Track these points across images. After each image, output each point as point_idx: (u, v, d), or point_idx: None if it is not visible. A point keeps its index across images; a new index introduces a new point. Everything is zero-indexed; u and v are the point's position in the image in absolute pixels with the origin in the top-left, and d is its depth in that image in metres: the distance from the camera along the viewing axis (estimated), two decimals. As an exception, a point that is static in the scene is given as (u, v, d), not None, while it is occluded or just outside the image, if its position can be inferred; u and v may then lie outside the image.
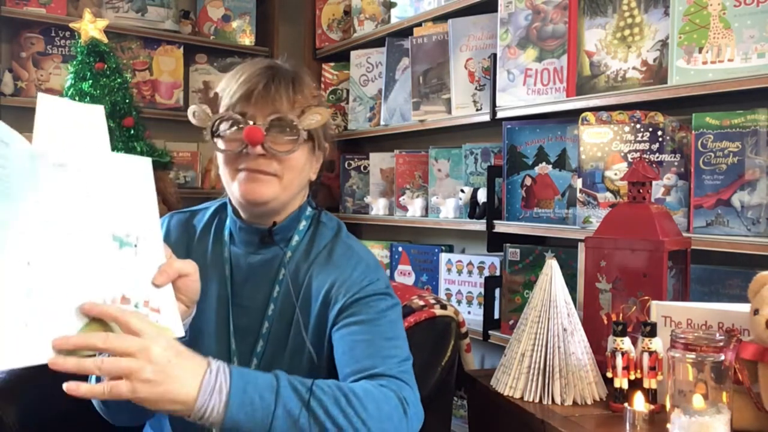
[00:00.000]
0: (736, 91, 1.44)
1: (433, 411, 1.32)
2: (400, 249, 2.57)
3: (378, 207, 2.67)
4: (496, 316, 2.08)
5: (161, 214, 0.99)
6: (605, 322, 1.20)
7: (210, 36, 3.12)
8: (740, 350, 1.02)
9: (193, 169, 3.02)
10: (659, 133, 1.59)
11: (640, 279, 1.26)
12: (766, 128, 1.41)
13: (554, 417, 1.13)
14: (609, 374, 1.16)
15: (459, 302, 2.33)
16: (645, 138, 1.60)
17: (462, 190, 2.20)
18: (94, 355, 0.79)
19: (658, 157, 1.59)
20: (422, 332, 1.34)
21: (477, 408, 1.40)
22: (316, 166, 1.18)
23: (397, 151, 2.60)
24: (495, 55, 2.03)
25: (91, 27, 2.43)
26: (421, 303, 1.39)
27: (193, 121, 1.11)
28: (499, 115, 2.03)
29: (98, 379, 0.82)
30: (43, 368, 0.77)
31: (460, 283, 2.34)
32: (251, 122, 1.05)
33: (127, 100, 2.49)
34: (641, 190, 1.32)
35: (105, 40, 2.46)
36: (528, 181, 1.96)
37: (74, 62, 2.45)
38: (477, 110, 2.20)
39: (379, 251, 2.70)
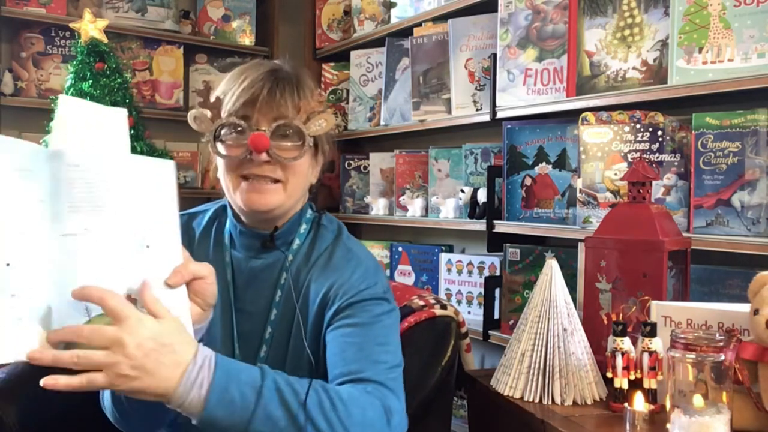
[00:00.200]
0: (736, 91, 1.44)
1: (433, 411, 1.32)
2: (400, 249, 2.57)
3: (378, 207, 2.67)
4: (496, 316, 2.08)
5: None
6: (605, 322, 1.20)
7: (210, 36, 3.12)
8: (740, 350, 1.02)
9: (193, 169, 3.01)
10: (659, 133, 1.59)
11: (640, 279, 1.25)
12: (766, 128, 1.41)
13: (554, 417, 1.13)
14: (609, 374, 1.16)
15: (459, 302, 2.33)
16: (645, 138, 1.60)
17: (462, 190, 2.20)
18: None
19: (658, 157, 1.59)
20: (422, 332, 1.34)
21: (477, 408, 1.40)
22: (317, 170, 1.17)
23: (397, 151, 2.60)
24: (495, 55, 2.03)
25: (91, 27, 2.43)
26: (421, 303, 1.39)
27: (194, 126, 1.10)
28: (499, 115, 2.03)
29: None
30: (44, 368, 0.77)
31: (460, 283, 2.34)
32: (256, 128, 1.04)
33: (127, 100, 2.49)
34: (641, 190, 1.32)
35: (105, 40, 2.47)
36: (528, 181, 1.96)
37: (74, 62, 2.45)
38: (477, 110, 2.20)
39: (379, 251, 2.70)
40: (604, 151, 1.65)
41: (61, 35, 2.77)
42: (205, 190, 3.03)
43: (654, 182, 1.47)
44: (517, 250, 2.01)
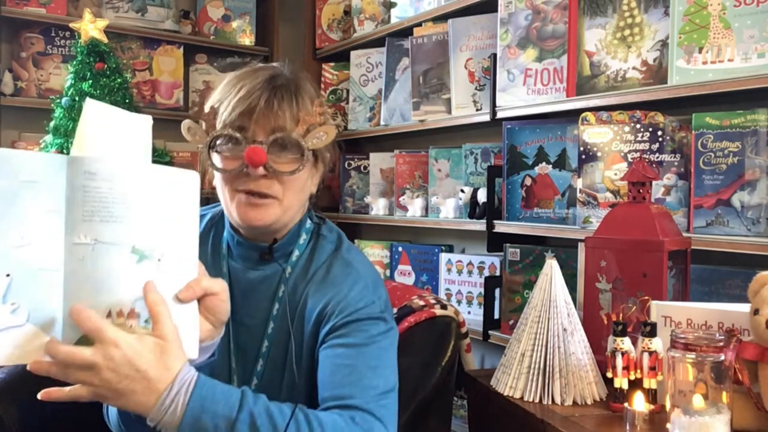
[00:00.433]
0: (736, 91, 1.44)
1: (433, 411, 1.32)
2: (400, 249, 2.57)
3: (378, 207, 2.67)
4: (496, 316, 2.08)
5: None
6: (605, 322, 1.20)
7: (210, 36, 3.12)
8: (740, 350, 1.03)
9: (193, 169, 3.01)
10: (659, 133, 1.59)
11: (640, 279, 1.25)
12: (766, 128, 1.41)
13: (554, 417, 1.13)
14: (609, 374, 1.16)
15: (459, 302, 2.33)
16: (645, 138, 1.60)
17: (462, 190, 2.20)
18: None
19: (658, 157, 1.59)
20: (422, 332, 1.34)
21: (477, 408, 1.40)
22: (317, 180, 1.14)
23: (397, 151, 2.60)
24: (495, 55, 2.03)
25: (91, 27, 2.43)
26: (422, 303, 1.39)
27: (187, 137, 1.05)
28: (499, 115, 2.03)
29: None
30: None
31: (460, 283, 2.34)
32: (252, 140, 1.00)
33: (127, 100, 2.49)
34: (641, 190, 1.32)
35: (105, 40, 2.47)
36: (528, 181, 1.96)
37: (74, 62, 2.46)
38: (477, 110, 2.20)
39: (379, 251, 2.70)
40: (604, 151, 1.66)
41: (61, 35, 2.77)
42: (205, 189, 3.03)
43: (654, 182, 1.47)
44: (517, 250, 2.01)
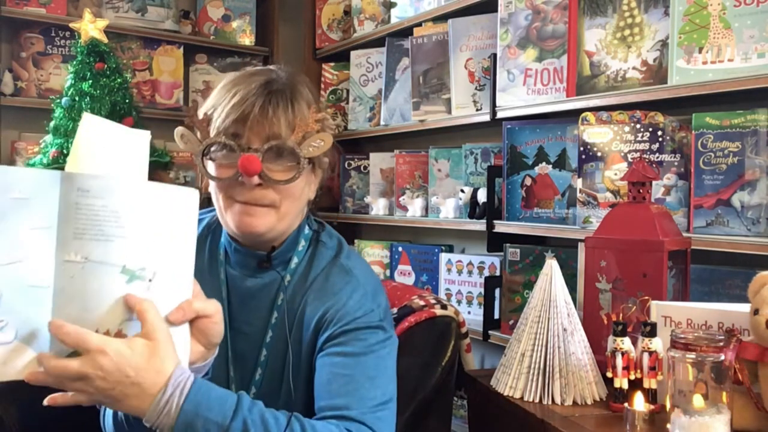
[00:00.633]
0: (736, 91, 1.44)
1: (433, 411, 1.32)
2: (400, 249, 2.57)
3: (378, 207, 2.67)
4: (496, 316, 2.08)
5: None
6: (605, 322, 1.20)
7: (210, 36, 3.12)
8: (740, 350, 1.02)
9: (193, 169, 3.02)
10: (659, 133, 1.59)
11: (640, 279, 1.25)
12: (766, 128, 1.41)
13: (554, 417, 1.13)
14: (609, 374, 1.16)
15: (459, 302, 2.33)
16: (645, 138, 1.60)
17: (462, 190, 2.20)
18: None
19: (658, 157, 1.59)
20: (422, 332, 1.34)
21: (477, 408, 1.40)
22: (314, 186, 1.11)
23: (397, 151, 2.60)
24: (495, 55, 2.03)
25: (91, 27, 2.43)
26: (422, 303, 1.39)
27: (180, 144, 1.03)
28: (499, 115, 2.03)
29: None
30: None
31: (460, 283, 2.34)
32: (247, 147, 0.98)
33: (127, 100, 2.49)
34: (641, 190, 1.32)
35: (105, 40, 2.47)
36: (528, 181, 1.96)
37: (74, 62, 2.45)
38: (477, 110, 2.20)
39: (379, 251, 2.70)
40: (604, 151, 1.66)
41: (61, 35, 2.77)
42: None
43: (654, 182, 1.47)
44: (517, 250, 2.01)
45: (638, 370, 1.13)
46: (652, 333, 1.12)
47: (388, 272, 2.64)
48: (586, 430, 1.08)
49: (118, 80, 2.47)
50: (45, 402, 0.81)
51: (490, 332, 2.07)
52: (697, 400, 0.97)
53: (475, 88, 2.22)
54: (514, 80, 1.98)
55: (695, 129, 1.50)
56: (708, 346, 0.99)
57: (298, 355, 1.06)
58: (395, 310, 1.38)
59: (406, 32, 2.51)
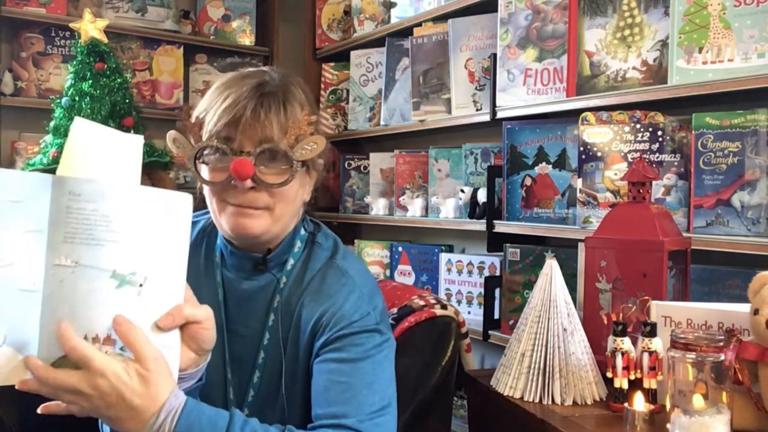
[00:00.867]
0: (736, 91, 1.44)
1: (433, 411, 1.32)
2: (400, 249, 2.57)
3: (378, 207, 2.67)
4: (496, 316, 2.08)
5: None
6: (605, 322, 1.20)
7: (210, 36, 3.12)
8: (741, 350, 1.02)
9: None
10: (659, 133, 1.59)
11: (640, 279, 1.25)
12: (766, 128, 1.41)
13: (554, 417, 1.13)
14: (609, 374, 1.16)
15: (459, 302, 2.33)
16: (645, 138, 1.60)
17: (462, 190, 2.20)
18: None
19: (658, 157, 1.59)
20: (422, 332, 1.34)
21: (477, 408, 1.40)
22: (309, 188, 1.10)
23: (397, 151, 2.60)
24: (495, 55, 2.03)
25: (91, 27, 2.43)
26: (422, 303, 1.39)
27: (172, 148, 1.02)
28: (499, 115, 2.03)
29: None
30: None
31: (460, 283, 2.34)
32: (239, 150, 0.97)
33: (127, 100, 2.49)
34: (641, 190, 1.32)
35: (105, 40, 2.46)
36: (528, 181, 1.96)
37: (74, 62, 2.45)
38: (477, 110, 2.20)
39: (379, 251, 2.70)
40: (604, 151, 1.66)
41: (61, 35, 2.77)
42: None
43: (654, 182, 1.47)
44: (517, 250, 2.01)
45: (638, 370, 1.13)
46: (652, 333, 1.12)
47: (388, 272, 2.64)
48: (586, 430, 1.08)
49: (118, 80, 2.47)
50: (39, 410, 0.82)
51: (490, 332, 2.07)
52: (697, 400, 0.97)
53: (475, 88, 2.22)
54: (514, 80, 1.98)
55: (695, 129, 1.50)
56: (708, 346, 0.99)
57: (295, 358, 1.06)
58: (395, 310, 1.38)
59: (406, 32, 2.51)
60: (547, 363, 1.20)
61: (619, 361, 1.13)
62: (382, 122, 2.65)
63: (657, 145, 1.59)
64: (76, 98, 2.40)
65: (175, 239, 0.84)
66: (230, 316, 1.09)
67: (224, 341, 1.08)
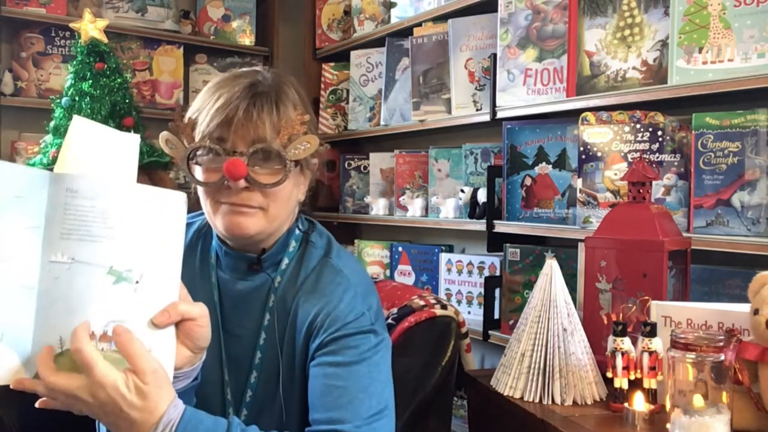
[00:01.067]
0: (736, 91, 1.44)
1: (433, 411, 1.32)
2: (400, 249, 2.57)
3: (378, 207, 2.67)
4: (496, 316, 2.08)
5: None
6: (605, 322, 1.20)
7: (210, 36, 3.12)
8: (741, 350, 1.02)
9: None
10: (659, 133, 1.59)
11: (640, 279, 1.25)
12: (766, 128, 1.41)
13: (554, 417, 1.13)
14: (609, 374, 1.16)
15: (459, 302, 2.33)
16: (645, 138, 1.60)
17: (462, 190, 2.20)
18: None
19: (658, 157, 1.59)
20: (422, 332, 1.34)
21: (477, 408, 1.40)
22: (304, 187, 1.10)
23: (397, 151, 2.60)
24: (495, 55, 2.03)
25: (91, 27, 2.43)
26: (422, 303, 1.39)
27: (166, 149, 1.02)
28: (499, 115, 2.03)
29: None
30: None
31: (460, 283, 2.34)
32: (232, 151, 0.97)
33: (127, 100, 2.49)
34: (641, 190, 1.32)
35: (105, 40, 2.46)
36: (528, 181, 1.96)
37: (74, 62, 2.45)
38: (477, 110, 2.20)
39: (379, 251, 2.70)
40: (604, 151, 1.66)
41: (61, 35, 2.77)
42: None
43: (654, 182, 1.47)
44: (517, 250, 2.01)
45: (638, 370, 1.13)
46: (652, 333, 1.12)
47: (388, 272, 2.64)
48: (586, 430, 1.08)
49: (118, 80, 2.47)
50: (37, 404, 0.82)
51: (490, 332, 2.07)
52: (697, 400, 0.97)
53: (475, 88, 2.22)
54: (514, 80, 1.98)
55: (695, 129, 1.50)
56: (708, 346, 0.99)
57: (292, 358, 1.06)
58: (395, 310, 1.38)
59: (406, 32, 2.51)
60: (547, 363, 1.20)
61: (619, 361, 1.13)
62: (382, 122, 2.65)
63: (657, 145, 1.59)
64: (76, 98, 2.40)
65: (170, 237, 0.84)
66: (226, 316, 1.09)
67: (220, 342, 1.08)
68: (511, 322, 2.00)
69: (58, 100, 2.43)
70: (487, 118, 2.09)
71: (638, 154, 1.60)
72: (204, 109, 1.00)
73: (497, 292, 2.09)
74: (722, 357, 0.99)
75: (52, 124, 2.43)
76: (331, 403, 0.97)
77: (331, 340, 1.01)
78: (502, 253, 2.06)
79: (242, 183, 0.97)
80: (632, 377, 1.13)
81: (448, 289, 2.37)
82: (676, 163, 1.57)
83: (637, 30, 1.67)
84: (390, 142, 2.81)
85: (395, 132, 2.60)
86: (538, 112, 1.93)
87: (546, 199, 1.93)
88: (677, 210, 1.56)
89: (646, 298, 1.19)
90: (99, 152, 0.84)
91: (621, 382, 1.14)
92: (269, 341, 1.06)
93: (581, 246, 1.39)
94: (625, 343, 1.14)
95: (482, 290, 2.15)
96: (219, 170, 0.97)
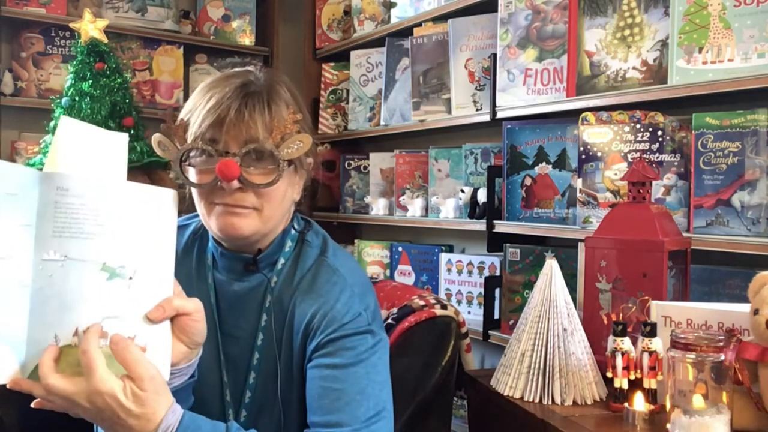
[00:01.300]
0: (736, 91, 1.44)
1: (433, 411, 1.32)
2: (400, 249, 2.57)
3: (378, 207, 2.67)
4: (496, 316, 2.08)
5: None
6: (605, 322, 1.20)
7: (210, 36, 3.12)
8: (741, 350, 1.02)
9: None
10: (659, 133, 1.59)
11: (640, 279, 1.25)
12: (766, 128, 1.41)
13: (554, 417, 1.13)
14: (609, 374, 1.16)
15: (459, 302, 2.33)
16: (645, 138, 1.60)
17: (462, 190, 2.20)
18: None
19: (658, 157, 1.59)
20: (422, 332, 1.34)
21: (477, 408, 1.40)
22: (299, 187, 1.09)
23: (397, 151, 2.60)
24: (495, 55, 2.03)
25: (91, 27, 2.43)
26: (422, 303, 1.39)
27: (158, 151, 1.02)
28: (499, 115, 2.03)
29: None
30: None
31: (460, 283, 2.34)
32: (225, 151, 0.96)
33: (127, 100, 2.49)
34: (641, 190, 1.32)
35: (105, 40, 2.47)
36: (528, 181, 1.96)
37: (74, 62, 2.45)
38: (477, 110, 2.20)
39: (379, 251, 2.70)
40: (604, 151, 1.66)
41: (61, 35, 2.77)
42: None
43: (654, 182, 1.47)
44: (517, 250, 2.01)
45: (638, 370, 1.13)
46: (652, 333, 1.12)
47: (388, 272, 2.64)
48: (586, 430, 1.08)
49: (118, 80, 2.47)
50: (33, 405, 0.82)
51: (490, 332, 2.07)
52: (697, 400, 0.97)
53: (475, 88, 2.22)
54: (514, 80, 1.98)
55: (695, 129, 1.50)
56: (708, 346, 0.99)
57: (290, 358, 1.05)
58: (395, 310, 1.38)
59: (406, 32, 2.51)
60: (547, 363, 1.20)
61: (619, 361, 1.13)
62: (382, 122, 2.65)
63: (657, 145, 1.59)
64: (76, 98, 2.40)
65: (162, 233, 0.85)
66: (223, 318, 1.09)
67: (218, 343, 1.08)
68: (511, 322, 2.00)
69: (58, 100, 2.43)
70: (487, 118, 2.09)
71: (638, 154, 1.60)
72: (196, 110, 1.00)
73: (497, 292, 2.09)
74: (722, 357, 0.99)
75: (52, 124, 2.43)
76: (328, 406, 0.97)
77: (328, 341, 1.01)
78: (502, 253, 2.06)
79: (235, 184, 0.96)
80: (632, 377, 1.13)
81: (448, 289, 2.37)
82: (676, 163, 1.57)
83: (637, 30, 1.67)
84: (390, 142, 2.81)
85: (395, 132, 2.60)
86: (538, 112, 1.93)
87: (546, 199, 1.93)
88: (677, 210, 1.56)
89: (646, 298, 1.19)
90: (88, 151, 0.85)
91: (621, 382, 1.14)
92: (267, 342, 1.06)
93: (581, 246, 1.39)
94: (625, 343, 1.14)
95: (482, 290, 2.15)
96: (212, 171, 0.96)
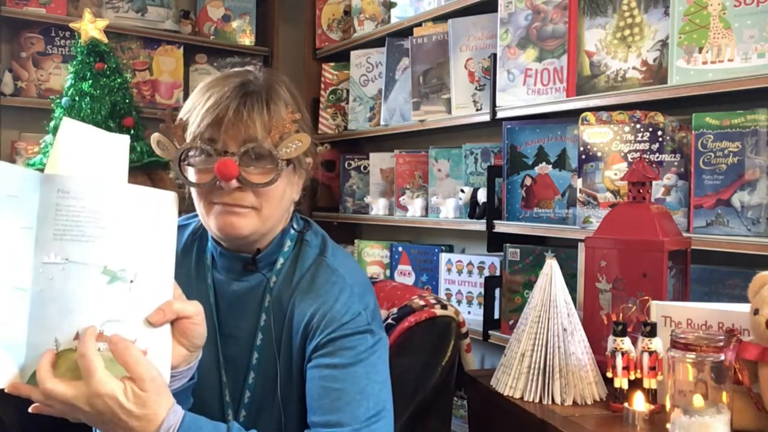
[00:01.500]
0: (736, 91, 1.44)
1: (433, 411, 1.32)
2: (400, 249, 2.57)
3: (378, 207, 2.67)
4: (496, 316, 2.08)
5: None
6: (605, 322, 1.20)
7: (210, 36, 3.12)
8: (741, 350, 1.02)
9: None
10: (659, 133, 1.59)
11: (640, 279, 1.25)
12: (766, 128, 1.41)
13: (554, 417, 1.13)
14: (609, 374, 1.16)
15: (459, 302, 2.33)
16: (645, 138, 1.60)
17: (462, 190, 2.20)
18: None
19: (658, 157, 1.59)
20: (422, 332, 1.34)
21: (477, 408, 1.40)
22: (298, 187, 1.09)
23: (397, 151, 2.60)
24: (495, 55, 2.03)
25: (91, 27, 2.43)
26: (422, 303, 1.39)
27: (157, 151, 1.02)
28: (499, 115, 2.03)
29: None
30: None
31: (460, 283, 2.34)
32: (223, 151, 0.96)
33: (127, 100, 2.49)
34: (641, 190, 1.32)
35: (105, 40, 2.47)
36: (528, 181, 1.96)
37: (74, 62, 2.45)
38: (477, 110, 2.20)
39: (379, 251, 2.70)
40: (604, 151, 1.66)
41: (61, 35, 2.77)
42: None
43: (654, 182, 1.47)
44: (517, 250, 2.01)
45: (638, 370, 1.13)
46: (652, 333, 1.12)
47: (388, 272, 2.64)
48: (586, 430, 1.08)
49: (118, 80, 2.47)
50: (30, 409, 0.81)
51: (490, 332, 2.07)
52: (697, 400, 0.97)
53: (475, 88, 2.22)
54: (514, 80, 1.98)
55: (695, 129, 1.50)
56: (708, 346, 0.99)
57: (289, 358, 1.05)
58: (395, 310, 1.38)
59: (406, 32, 2.51)
60: (547, 363, 1.20)
61: (619, 361, 1.13)
62: (382, 122, 2.65)
63: (657, 145, 1.59)
64: (76, 98, 2.40)
65: (163, 236, 0.85)
66: (222, 318, 1.09)
67: (217, 344, 1.08)
68: (511, 322, 2.00)
69: (58, 100, 2.43)
70: (487, 118, 2.09)
71: (638, 154, 1.60)
72: (194, 109, 1.00)
73: (497, 292, 2.09)
74: (722, 357, 0.99)
75: (52, 124, 2.43)
76: (328, 406, 0.97)
77: (327, 341, 1.01)
78: (502, 253, 2.06)
79: (234, 183, 0.96)
80: (632, 377, 1.13)
81: (448, 289, 2.37)
82: (676, 163, 1.57)
83: (637, 30, 1.67)
84: (390, 142, 2.81)
85: (395, 132, 2.60)
86: (538, 112, 1.93)
87: (546, 199, 1.93)
88: (677, 210, 1.56)
89: (646, 298, 1.19)
90: (89, 153, 0.84)
91: (621, 382, 1.14)
92: (266, 342, 1.06)
93: (581, 246, 1.39)
94: (625, 343, 1.14)
95: (482, 290, 2.15)
96: (211, 171, 0.96)
